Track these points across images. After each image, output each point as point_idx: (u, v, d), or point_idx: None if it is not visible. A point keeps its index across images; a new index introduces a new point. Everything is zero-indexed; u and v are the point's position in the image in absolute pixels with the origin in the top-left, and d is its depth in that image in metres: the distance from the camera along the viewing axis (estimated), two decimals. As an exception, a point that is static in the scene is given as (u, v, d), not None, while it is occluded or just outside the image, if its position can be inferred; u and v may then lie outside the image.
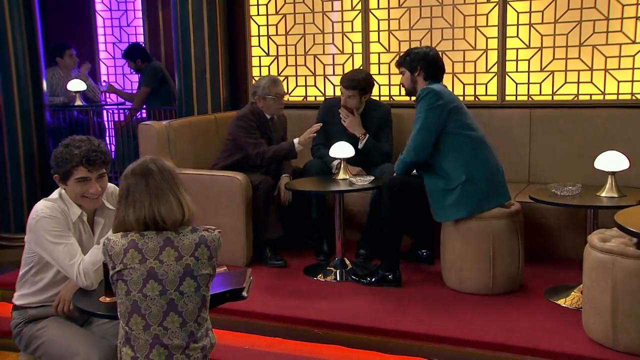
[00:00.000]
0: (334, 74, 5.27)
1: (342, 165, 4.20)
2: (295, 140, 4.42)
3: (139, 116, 6.38)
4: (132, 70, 6.70)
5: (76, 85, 6.09)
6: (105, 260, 2.16)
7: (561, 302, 3.54)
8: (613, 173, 3.59)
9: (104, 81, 7.03)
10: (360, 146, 4.43)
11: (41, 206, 2.64)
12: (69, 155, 2.57)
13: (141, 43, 6.82)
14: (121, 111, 6.43)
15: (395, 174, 3.93)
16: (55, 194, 2.70)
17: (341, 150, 4.21)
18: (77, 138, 2.67)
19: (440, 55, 3.94)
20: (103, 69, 7.16)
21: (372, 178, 4.09)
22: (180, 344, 2.08)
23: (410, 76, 3.86)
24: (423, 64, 3.81)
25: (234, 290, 2.50)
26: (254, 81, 5.24)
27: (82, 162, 2.56)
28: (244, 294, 2.51)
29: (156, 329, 2.07)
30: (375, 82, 4.73)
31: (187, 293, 2.10)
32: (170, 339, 2.07)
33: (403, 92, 4.04)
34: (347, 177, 4.15)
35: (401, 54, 4.01)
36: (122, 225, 2.15)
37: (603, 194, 3.58)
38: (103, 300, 2.46)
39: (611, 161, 3.58)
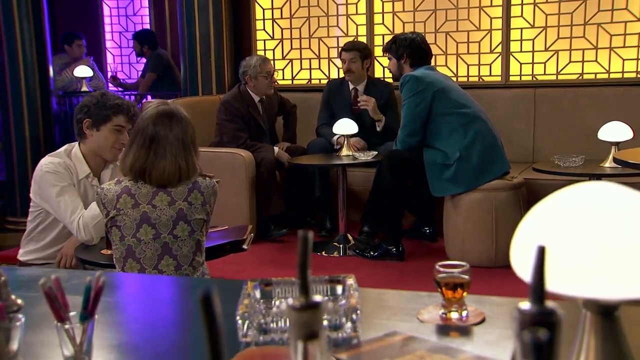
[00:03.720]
0: (338, 57, 5.27)
1: (345, 142, 4.21)
2: (276, 149, 4.46)
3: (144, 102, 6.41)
4: (137, 59, 6.73)
5: (83, 71, 6.13)
6: (99, 208, 2.16)
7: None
8: (617, 143, 3.58)
9: (111, 71, 7.05)
10: (379, 129, 4.42)
11: (45, 161, 2.65)
12: (111, 102, 2.60)
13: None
14: (126, 97, 6.45)
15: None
16: (61, 150, 2.71)
17: (344, 127, 4.21)
18: (111, 94, 2.70)
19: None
20: (109, 58, 7.20)
21: (375, 153, 4.09)
22: (176, 286, 2.07)
23: (397, 63, 3.94)
24: (409, 52, 3.88)
25: (235, 242, 2.51)
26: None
27: (128, 112, 2.60)
28: (245, 246, 2.51)
29: (151, 272, 2.06)
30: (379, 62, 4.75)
31: (181, 237, 2.09)
32: (165, 281, 2.07)
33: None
34: (350, 153, 4.16)
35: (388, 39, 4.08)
36: (122, 163, 2.15)
37: (606, 165, 3.57)
38: (105, 252, 2.46)
39: (615, 131, 3.58)
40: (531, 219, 0.81)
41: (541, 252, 0.53)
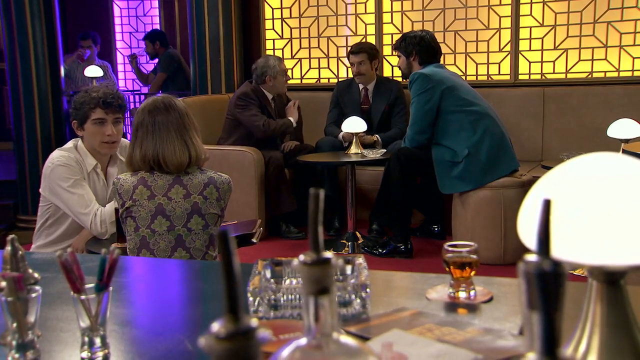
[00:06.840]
0: (347, 57, 5.29)
1: (355, 140, 4.22)
2: (291, 118, 4.54)
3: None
4: (147, 59, 6.77)
5: (93, 71, 6.16)
6: (115, 198, 2.18)
7: (573, 271, 3.52)
8: (626, 141, 3.58)
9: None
10: (379, 147, 4.44)
11: (56, 155, 2.67)
12: (88, 98, 2.62)
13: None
14: (136, 96, 6.50)
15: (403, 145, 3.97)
16: (69, 144, 2.74)
17: (353, 124, 4.23)
18: (97, 85, 2.74)
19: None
20: (120, 58, 7.25)
21: (384, 151, 4.11)
22: (188, 276, 2.09)
23: (406, 60, 3.97)
24: (418, 49, 3.90)
25: (244, 236, 2.53)
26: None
27: (99, 103, 2.60)
28: (254, 240, 2.53)
29: None
30: (388, 61, 4.76)
31: (195, 230, 2.11)
32: (178, 271, 2.08)
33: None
34: (360, 151, 4.18)
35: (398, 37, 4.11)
36: (130, 164, 2.17)
37: (616, 161, 3.56)
38: (116, 245, 2.48)
39: (623, 129, 3.58)
40: (539, 188, 0.83)
41: (547, 204, 0.54)
